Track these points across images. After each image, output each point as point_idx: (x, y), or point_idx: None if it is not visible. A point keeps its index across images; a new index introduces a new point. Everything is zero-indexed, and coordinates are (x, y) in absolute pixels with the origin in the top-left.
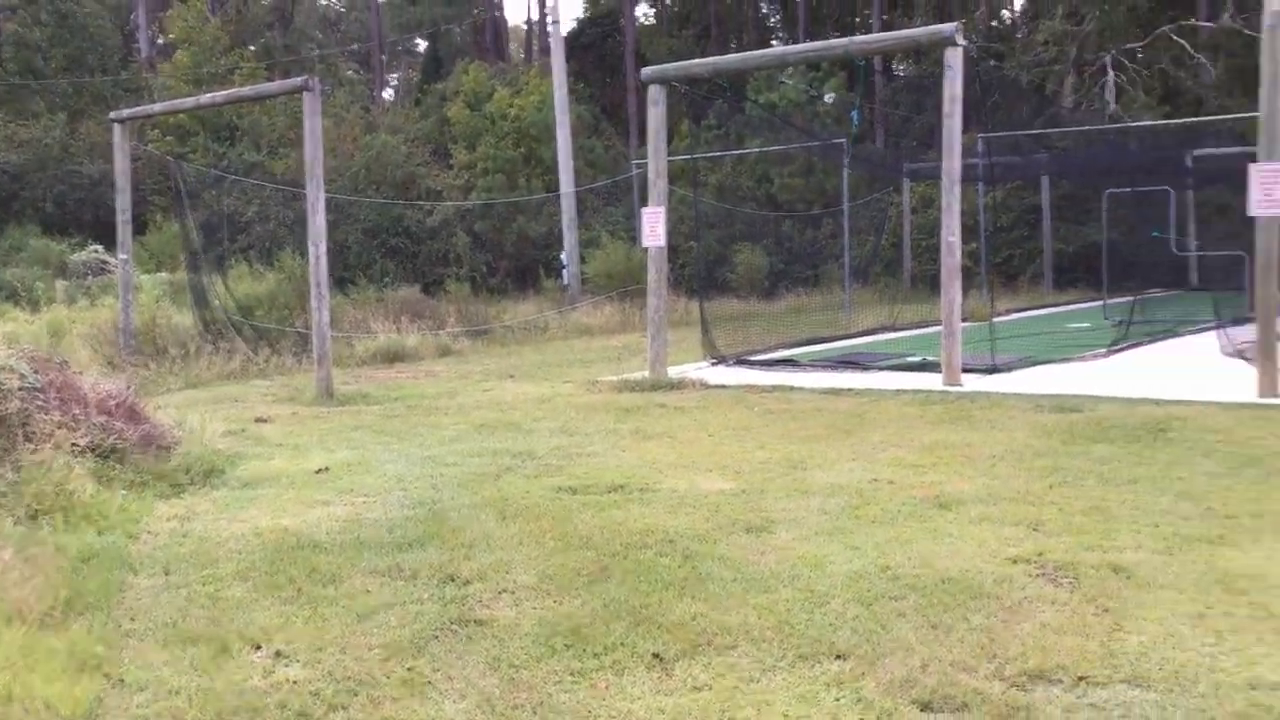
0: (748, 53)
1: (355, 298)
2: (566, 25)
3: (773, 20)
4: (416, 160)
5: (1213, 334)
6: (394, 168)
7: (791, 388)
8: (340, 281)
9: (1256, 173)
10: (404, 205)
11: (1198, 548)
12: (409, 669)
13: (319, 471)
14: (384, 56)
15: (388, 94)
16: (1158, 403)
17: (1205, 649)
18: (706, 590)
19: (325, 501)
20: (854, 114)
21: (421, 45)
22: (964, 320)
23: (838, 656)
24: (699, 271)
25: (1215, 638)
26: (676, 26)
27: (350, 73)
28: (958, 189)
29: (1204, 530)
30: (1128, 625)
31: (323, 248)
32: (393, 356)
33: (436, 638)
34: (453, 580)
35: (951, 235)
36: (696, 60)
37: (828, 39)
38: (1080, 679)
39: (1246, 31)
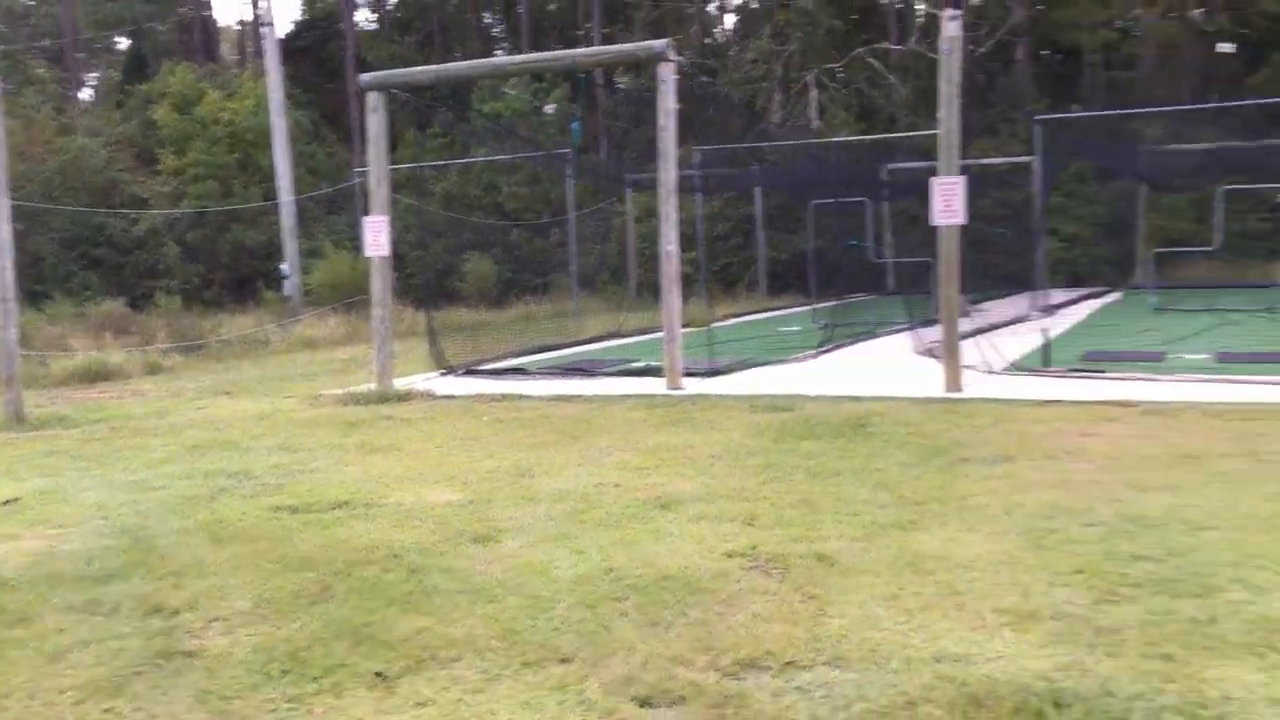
0: (470, 62)
1: (51, 313)
2: (283, 27)
3: (497, 30)
4: (119, 165)
5: (906, 334)
6: (93, 173)
7: (520, 396)
8: (33, 296)
9: (937, 185)
10: (106, 214)
11: (892, 533)
12: (106, 710)
13: (6, 503)
14: (80, 54)
15: (86, 94)
16: (859, 400)
17: (898, 627)
18: (432, 604)
19: (13, 535)
20: (574, 125)
21: (124, 43)
22: (685, 326)
23: (562, 660)
24: (426, 281)
25: (907, 616)
26: (399, 32)
27: (41, 71)
28: (675, 199)
29: (898, 517)
30: (831, 610)
31: (8, 259)
32: (95, 376)
33: (139, 674)
34: (159, 611)
35: (670, 244)
36: (418, 68)
37: (551, 50)
38: (788, 664)
39: (929, 55)
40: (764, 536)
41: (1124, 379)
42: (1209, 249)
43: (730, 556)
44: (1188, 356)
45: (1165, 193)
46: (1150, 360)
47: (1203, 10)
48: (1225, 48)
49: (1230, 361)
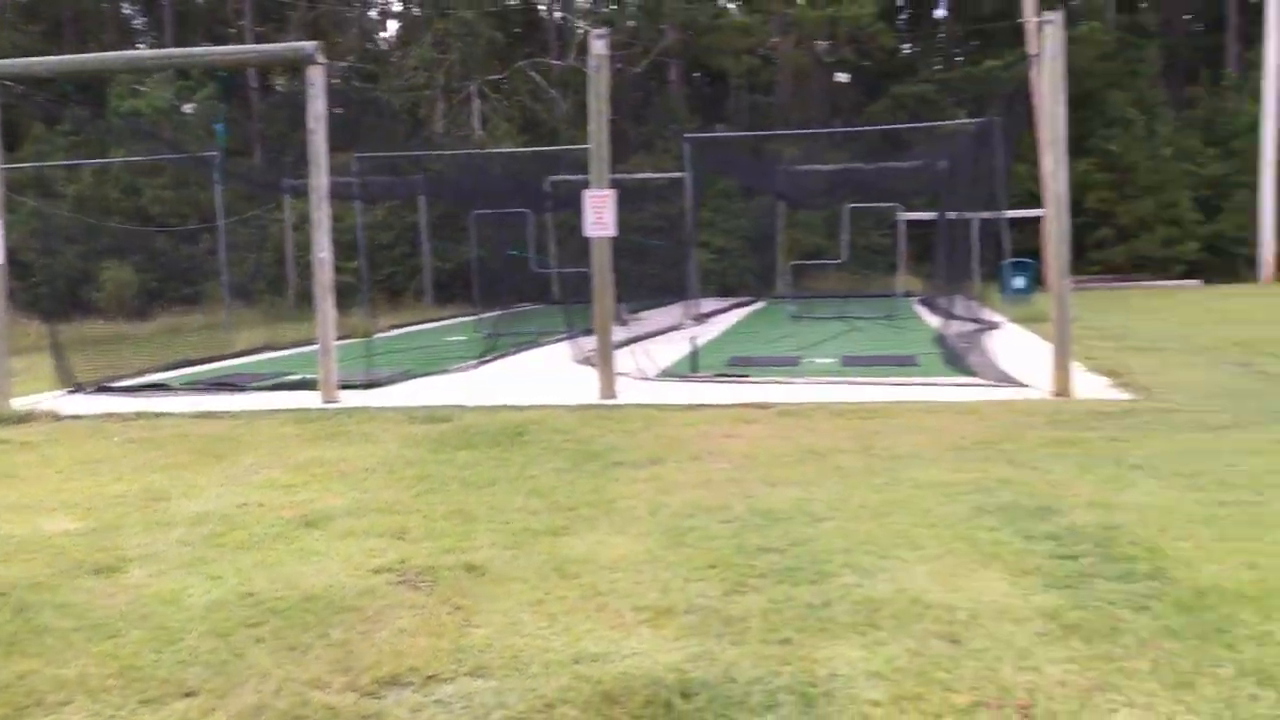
0: (98, 55)
1: None
2: None
3: (138, 23)
4: None
5: (567, 343)
6: None
7: (160, 414)
8: None
9: (588, 198)
10: None
11: (543, 539)
12: None
13: None
14: None
15: None
16: (517, 408)
17: (541, 632)
18: (41, 644)
19: None
20: (219, 126)
21: None
22: (348, 337)
23: (187, 694)
24: (55, 290)
25: (550, 621)
26: (23, 20)
27: None
28: (327, 206)
29: (549, 523)
30: (477, 620)
31: None
32: None
33: None
34: None
35: (323, 252)
36: (37, 58)
37: (199, 47)
38: (430, 678)
39: (586, 71)
40: (414, 550)
41: (764, 382)
42: (838, 261)
43: (378, 572)
44: (818, 360)
45: (801, 209)
46: (787, 364)
47: (830, 43)
48: (842, 78)
49: (853, 365)
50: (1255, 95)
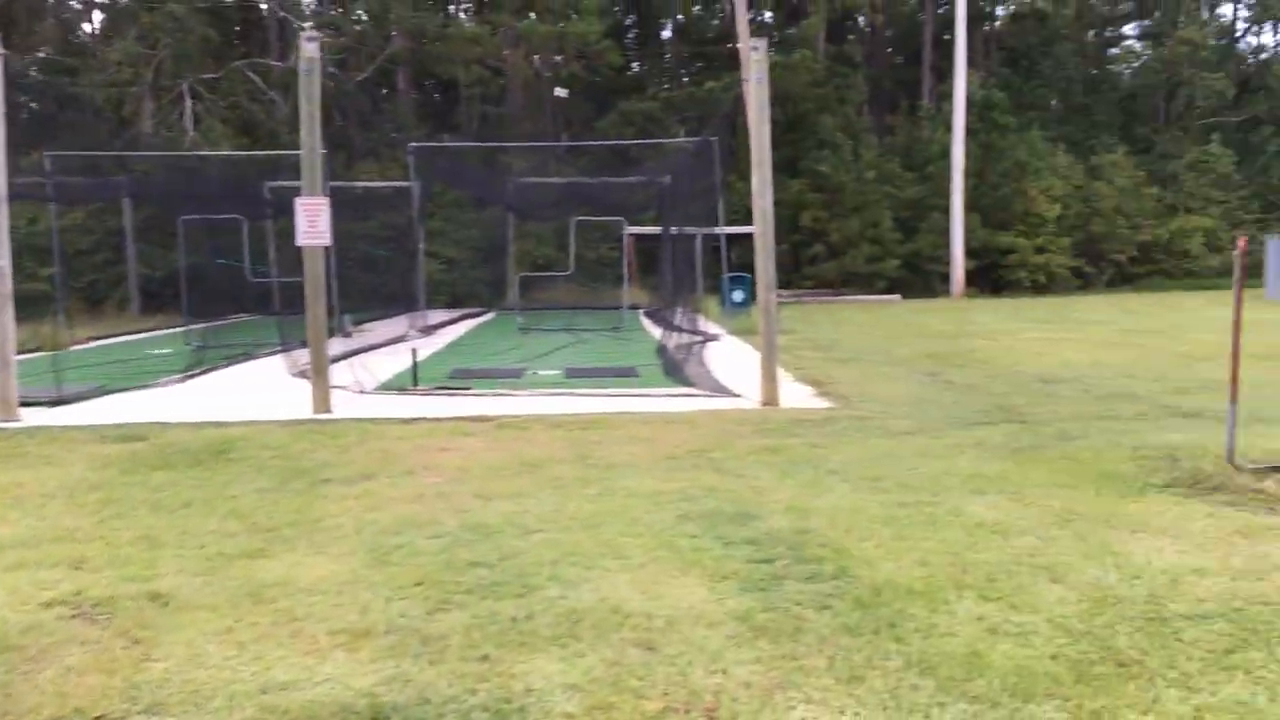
0: None
1: None
2: None
3: None
4: None
5: (283, 356)
6: None
7: None
8: None
9: (301, 205)
10: None
11: (238, 563)
12: None
13: None
14: None
15: None
16: (222, 425)
17: (227, 662)
18: None
19: None
20: None
21: None
22: (39, 349)
23: None
24: None
25: (238, 649)
26: None
27: None
28: (5, 209)
29: (247, 545)
30: (156, 653)
31: None
32: None
33: None
34: None
35: (1, 259)
36: None
37: None
38: (96, 719)
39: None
40: (92, 580)
41: (485, 395)
42: (566, 274)
43: (49, 606)
44: (542, 373)
45: (530, 221)
46: (510, 376)
47: (559, 58)
48: (561, 93)
49: (576, 376)
50: (947, 125)
